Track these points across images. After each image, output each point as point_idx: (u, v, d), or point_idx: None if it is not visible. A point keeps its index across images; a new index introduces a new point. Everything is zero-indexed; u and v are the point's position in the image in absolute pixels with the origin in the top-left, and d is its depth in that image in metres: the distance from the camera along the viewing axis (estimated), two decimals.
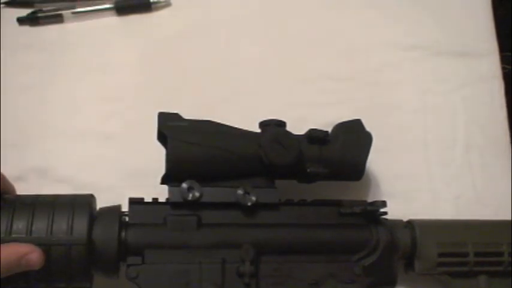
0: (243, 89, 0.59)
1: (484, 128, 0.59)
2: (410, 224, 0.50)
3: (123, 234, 0.44)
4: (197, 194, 0.45)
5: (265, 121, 0.48)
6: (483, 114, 0.60)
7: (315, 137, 0.47)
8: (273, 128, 0.47)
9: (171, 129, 0.45)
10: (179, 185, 0.45)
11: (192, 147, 0.45)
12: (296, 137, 0.47)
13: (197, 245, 0.44)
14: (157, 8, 0.63)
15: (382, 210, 0.47)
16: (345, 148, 0.48)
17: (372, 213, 0.48)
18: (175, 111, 0.47)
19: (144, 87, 0.59)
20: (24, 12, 0.62)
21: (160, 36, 0.62)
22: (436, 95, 0.60)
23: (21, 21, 0.62)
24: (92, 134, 0.57)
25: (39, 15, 0.62)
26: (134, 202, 0.46)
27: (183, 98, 0.57)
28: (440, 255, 0.48)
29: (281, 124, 0.48)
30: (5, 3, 0.63)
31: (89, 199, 0.45)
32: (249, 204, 0.46)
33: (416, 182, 0.57)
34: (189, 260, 0.44)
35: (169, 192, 0.46)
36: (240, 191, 0.46)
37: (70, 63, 0.60)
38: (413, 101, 0.60)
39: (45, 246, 0.41)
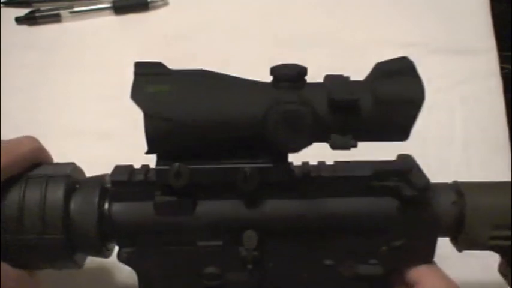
0: None
1: (482, 126, 0.59)
2: (460, 202, 0.41)
3: (105, 206, 0.39)
4: (185, 182, 0.37)
5: (278, 70, 0.38)
6: (481, 111, 0.60)
7: (339, 105, 0.36)
8: (282, 105, 0.36)
9: (147, 99, 0.36)
10: (166, 166, 0.37)
11: (175, 126, 0.36)
12: (311, 114, 0.36)
13: (192, 230, 0.39)
14: (155, 7, 0.63)
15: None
16: (382, 114, 0.37)
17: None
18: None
19: None
20: (22, 11, 0.63)
21: (158, 35, 0.62)
22: (434, 93, 0.59)
23: (19, 20, 0.62)
24: (90, 133, 0.57)
25: (37, 14, 0.62)
26: (117, 183, 0.39)
27: None
28: (493, 238, 0.41)
29: (298, 80, 0.37)
30: (3, 2, 0.63)
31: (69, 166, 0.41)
32: (252, 188, 0.37)
33: None
34: (185, 243, 0.39)
35: (156, 173, 0.38)
36: (241, 174, 0.37)
37: (68, 62, 0.60)
38: None
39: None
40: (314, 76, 0.60)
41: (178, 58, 0.61)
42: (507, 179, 0.57)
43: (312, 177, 0.39)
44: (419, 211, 0.39)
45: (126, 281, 0.49)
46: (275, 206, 0.39)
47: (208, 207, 0.39)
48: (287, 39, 0.62)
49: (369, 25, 0.62)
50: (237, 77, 0.39)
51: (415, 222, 0.39)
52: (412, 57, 0.61)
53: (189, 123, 0.36)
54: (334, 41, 0.62)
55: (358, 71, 0.61)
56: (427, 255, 0.40)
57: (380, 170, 0.39)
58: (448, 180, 0.57)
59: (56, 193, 0.38)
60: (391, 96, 0.37)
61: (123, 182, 0.39)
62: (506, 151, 0.58)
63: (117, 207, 0.39)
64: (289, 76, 0.37)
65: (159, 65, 0.38)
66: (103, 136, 0.57)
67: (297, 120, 0.36)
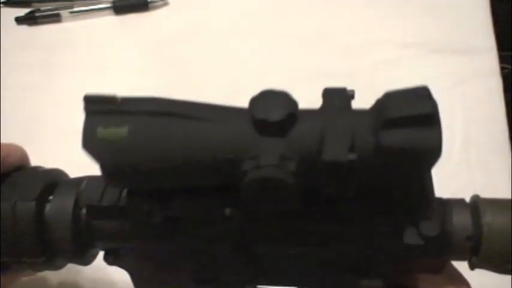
0: (241, 88, 0.59)
1: (482, 125, 0.59)
2: (476, 235, 0.34)
3: (83, 214, 0.35)
4: (159, 220, 0.32)
5: (259, 109, 0.29)
6: (481, 111, 0.59)
7: (334, 169, 0.28)
8: (259, 169, 0.28)
9: (101, 148, 0.30)
10: (137, 200, 0.33)
11: (135, 175, 0.30)
12: (296, 180, 0.28)
13: (174, 252, 0.35)
14: (155, 7, 0.63)
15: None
16: (385, 166, 0.29)
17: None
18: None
19: (142, 86, 0.59)
20: (22, 11, 0.63)
21: (158, 35, 0.62)
22: (434, 92, 0.59)
23: (19, 20, 0.62)
24: None
25: (37, 14, 0.62)
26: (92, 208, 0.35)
27: (181, 96, 0.57)
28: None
29: (284, 125, 0.29)
30: (3, 2, 0.63)
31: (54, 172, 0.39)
32: (234, 228, 0.33)
33: None
34: (171, 255, 0.35)
35: (127, 207, 0.34)
36: (219, 215, 0.32)
37: (68, 62, 0.60)
38: None
39: None
40: (313, 76, 0.61)
41: (178, 58, 0.62)
42: (507, 179, 0.57)
43: (307, 204, 0.31)
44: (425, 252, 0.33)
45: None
46: (265, 232, 0.34)
47: (191, 233, 0.34)
48: (287, 39, 0.62)
49: (368, 25, 0.62)
50: (208, 110, 0.31)
51: (422, 258, 0.33)
52: (411, 57, 0.61)
53: (151, 171, 0.30)
54: (334, 41, 0.62)
55: (358, 71, 0.62)
56: (435, 270, 0.35)
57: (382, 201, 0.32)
58: (447, 179, 0.57)
59: (26, 220, 0.36)
60: (399, 151, 0.28)
61: (94, 206, 0.35)
62: (506, 151, 0.58)
63: (93, 222, 0.35)
64: (272, 123, 0.29)
65: (113, 99, 0.32)
66: None
67: (277, 189, 0.28)
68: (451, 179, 0.57)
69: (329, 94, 0.32)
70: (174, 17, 0.63)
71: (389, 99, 0.30)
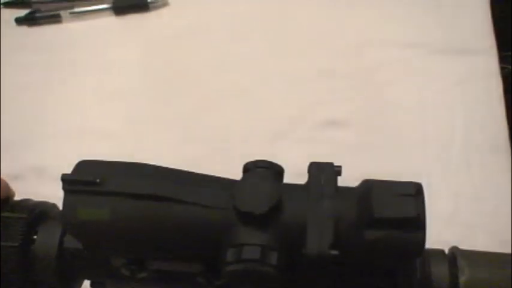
0: (242, 87, 0.60)
1: (482, 125, 0.59)
2: None
3: (66, 252, 0.35)
4: (143, 276, 0.32)
5: (242, 199, 0.29)
6: (481, 111, 0.59)
7: (315, 264, 0.28)
8: (242, 263, 0.28)
9: (82, 229, 0.30)
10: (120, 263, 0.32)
11: (118, 254, 0.32)
12: (279, 273, 0.28)
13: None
14: (155, 8, 0.63)
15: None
16: (368, 260, 0.30)
17: None
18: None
19: (142, 87, 0.59)
20: (22, 12, 0.63)
21: (158, 35, 0.62)
22: (434, 93, 0.60)
23: (19, 21, 0.62)
24: (90, 133, 0.57)
25: (37, 15, 0.62)
26: None
27: (181, 97, 0.57)
28: None
29: (267, 217, 0.28)
30: (3, 3, 0.64)
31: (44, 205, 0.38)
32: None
33: (414, 179, 0.56)
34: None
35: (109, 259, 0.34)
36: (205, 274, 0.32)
37: (68, 63, 0.60)
38: (411, 98, 0.60)
39: None
40: (313, 76, 0.61)
41: (178, 59, 0.62)
42: (507, 178, 0.57)
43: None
44: None
45: None
46: None
47: (173, 284, 0.33)
48: (287, 39, 0.62)
49: (368, 25, 0.62)
50: (192, 189, 0.30)
51: None
52: (412, 58, 0.61)
53: (132, 249, 0.31)
54: (334, 41, 0.62)
55: (358, 71, 0.62)
56: None
57: None
58: (448, 179, 0.57)
59: (11, 263, 0.35)
60: (382, 249, 0.29)
61: (77, 253, 0.34)
62: (506, 151, 0.58)
63: (77, 262, 0.35)
64: (255, 216, 0.28)
65: (92, 181, 0.30)
66: (103, 136, 0.57)
67: (259, 280, 0.28)
68: (452, 178, 0.57)
69: (315, 170, 0.30)
70: (174, 18, 0.63)
71: (376, 195, 0.29)
